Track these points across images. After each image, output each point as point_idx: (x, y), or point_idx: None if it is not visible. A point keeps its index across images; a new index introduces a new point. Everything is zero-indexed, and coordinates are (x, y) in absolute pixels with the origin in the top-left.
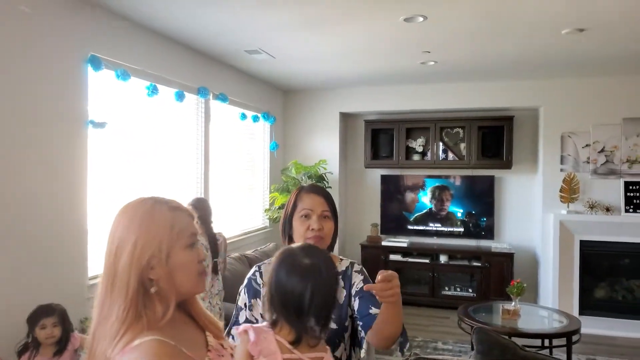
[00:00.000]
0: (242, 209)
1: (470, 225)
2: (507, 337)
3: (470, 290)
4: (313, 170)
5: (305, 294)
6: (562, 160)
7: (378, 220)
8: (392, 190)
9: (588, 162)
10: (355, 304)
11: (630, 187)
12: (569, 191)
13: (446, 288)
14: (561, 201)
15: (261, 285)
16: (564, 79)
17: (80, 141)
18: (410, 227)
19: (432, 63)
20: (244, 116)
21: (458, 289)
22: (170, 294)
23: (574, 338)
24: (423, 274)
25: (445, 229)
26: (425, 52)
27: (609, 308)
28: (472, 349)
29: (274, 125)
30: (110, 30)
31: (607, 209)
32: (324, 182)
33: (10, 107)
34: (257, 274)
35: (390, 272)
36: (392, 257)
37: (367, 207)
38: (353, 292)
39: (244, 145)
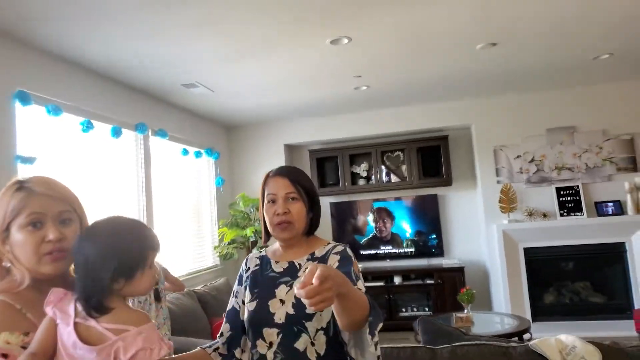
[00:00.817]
0: (191, 248)
1: (420, 244)
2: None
3: (426, 308)
4: None
5: (81, 257)
6: (498, 172)
7: None
8: (342, 216)
9: (521, 172)
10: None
11: (562, 192)
12: (508, 201)
13: (403, 309)
14: (501, 211)
15: (244, 271)
16: (491, 97)
17: (9, 176)
18: (362, 252)
19: (365, 88)
20: (185, 152)
21: (415, 309)
22: (22, 268)
23: (525, 337)
24: (379, 298)
25: (396, 251)
26: (356, 76)
27: (559, 312)
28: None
29: (218, 161)
30: (40, 66)
31: (544, 215)
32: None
33: None
34: (245, 261)
35: (322, 269)
36: None
37: (319, 234)
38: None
39: (188, 182)
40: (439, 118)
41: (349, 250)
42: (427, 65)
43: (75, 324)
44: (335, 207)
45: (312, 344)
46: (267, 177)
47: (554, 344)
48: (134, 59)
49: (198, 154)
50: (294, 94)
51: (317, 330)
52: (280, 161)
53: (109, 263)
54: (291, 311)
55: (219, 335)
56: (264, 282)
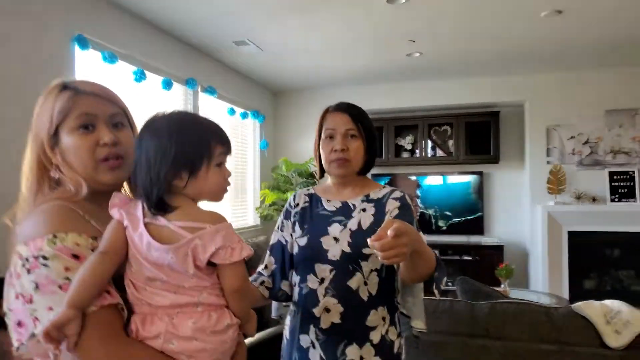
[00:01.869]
0: (233, 206)
1: (460, 220)
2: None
3: (456, 285)
4: (304, 168)
5: (141, 153)
6: (548, 152)
7: None
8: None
9: (573, 154)
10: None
11: (615, 177)
12: (556, 183)
13: None
14: (548, 192)
15: (293, 207)
16: (548, 73)
17: None
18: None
19: (418, 55)
20: (232, 111)
21: (450, 284)
22: (77, 177)
23: None
24: None
25: (436, 226)
26: (410, 41)
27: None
28: None
29: (263, 124)
30: (99, 13)
31: (594, 199)
32: (315, 180)
33: None
34: (292, 197)
35: (399, 224)
36: None
37: None
38: (386, 219)
39: (233, 142)
40: (492, 93)
41: (408, 198)
42: (486, 31)
43: (146, 225)
44: (375, 178)
45: (365, 283)
46: (326, 112)
47: (599, 307)
48: (188, 11)
49: (244, 115)
50: (343, 58)
51: (371, 270)
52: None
53: (168, 154)
54: (347, 249)
55: (262, 268)
56: (314, 219)
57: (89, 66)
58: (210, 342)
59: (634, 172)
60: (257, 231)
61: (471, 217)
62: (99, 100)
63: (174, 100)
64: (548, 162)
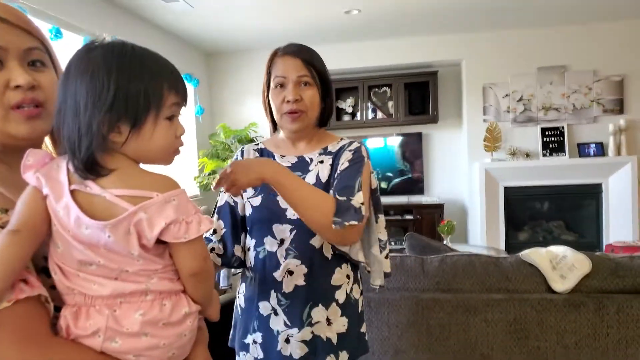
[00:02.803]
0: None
1: (400, 181)
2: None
3: (404, 243)
4: (243, 134)
5: (66, 94)
6: (485, 110)
7: None
8: None
9: (508, 112)
10: (342, 166)
11: (546, 133)
12: (492, 140)
13: None
14: (485, 150)
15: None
16: (483, 32)
17: None
18: None
19: (356, 12)
20: None
21: (393, 243)
22: None
23: None
24: None
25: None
26: None
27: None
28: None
29: (197, 89)
30: None
31: (527, 155)
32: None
33: None
34: (239, 152)
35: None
36: None
37: None
38: (338, 171)
39: None
40: (430, 52)
41: (363, 150)
42: None
43: (73, 193)
44: None
45: (325, 242)
46: (275, 55)
47: (545, 253)
48: None
49: None
50: (279, 16)
51: None
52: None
53: (104, 97)
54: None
55: (210, 234)
56: None
57: None
58: (164, 337)
59: (563, 127)
60: (197, 202)
61: (407, 177)
62: (10, 29)
63: None
64: (484, 120)
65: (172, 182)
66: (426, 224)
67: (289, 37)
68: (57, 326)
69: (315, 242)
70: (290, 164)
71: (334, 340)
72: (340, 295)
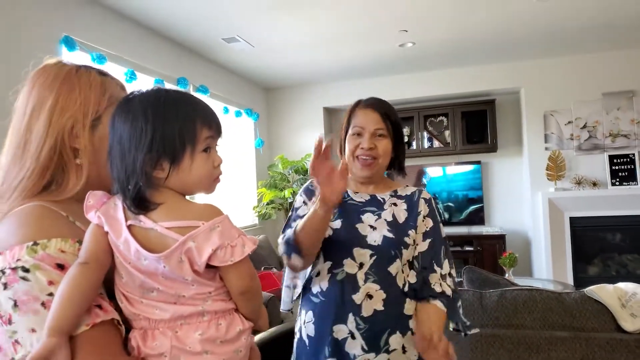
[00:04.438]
0: (231, 207)
1: (460, 212)
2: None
3: (462, 275)
4: (300, 164)
5: (114, 139)
6: (546, 138)
7: None
8: None
9: (572, 139)
10: (424, 244)
11: (615, 161)
12: (555, 169)
13: None
14: (548, 179)
15: (317, 189)
16: (542, 59)
17: None
18: None
19: (410, 45)
20: (226, 110)
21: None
22: (91, 168)
23: None
24: None
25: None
26: (402, 31)
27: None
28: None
29: (257, 122)
30: (85, 13)
31: (594, 184)
32: None
33: None
34: (308, 184)
35: (441, 342)
36: None
37: None
38: (419, 220)
39: (229, 141)
40: (487, 81)
41: (433, 200)
42: (479, 18)
43: (130, 228)
44: None
45: (402, 271)
46: (356, 106)
47: (612, 290)
48: (176, 10)
49: (238, 114)
50: (335, 51)
51: (407, 260)
52: (319, 124)
53: (144, 139)
54: (389, 235)
55: None
56: (345, 206)
57: None
58: (223, 354)
59: (633, 154)
60: (256, 230)
61: (472, 207)
62: None
63: None
64: (546, 149)
65: (216, 209)
66: (487, 255)
67: (344, 71)
68: (129, 346)
69: (392, 269)
70: (364, 200)
71: None
72: (413, 325)
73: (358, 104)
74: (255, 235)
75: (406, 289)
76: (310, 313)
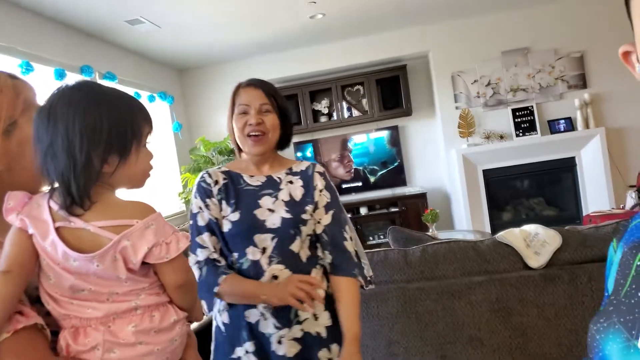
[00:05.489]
0: (155, 196)
1: (382, 175)
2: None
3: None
4: (223, 145)
5: (54, 134)
6: (456, 98)
7: None
8: (307, 154)
9: (478, 97)
10: (327, 217)
11: (517, 114)
12: (466, 126)
13: (370, 238)
14: (460, 137)
15: (212, 185)
16: (447, 21)
17: None
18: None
19: (321, 16)
20: (138, 96)
21: (381, 237)
22: (5, 174)
23: None
24: None
25: (359, 184)
26: (311, 2)
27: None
28: None
29: (173, 105)
30: None
31: (501, 137)
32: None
33: None
34: (205, 175)
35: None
36: None
37: None
38: (316, 194)
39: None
40: (397, 47)
41: (326, 173)
42: None
43: (58, 230)
44: (298, 146)
45: (303, 246)
46: (239, 87)
47: (519, 233)
48: None
49: (152, 98)
50: (246, 29)
51: (307, 235)
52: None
53: (100, 133)
54: (287, 215)
55: (210, 252)
56: (241, 195)
57: None
58: (157, 343)
59: (532, 107)
60: (184, 217)
61: (392, 167)
62: None
63: None
64: (457, 108)
65: (149, 207)
66: (412, 214)
67: (258, 47)
68: (57, 347)
69: (295, 247)
70: (260, 183)
71: (324, 334)
72: (320, 292)
73: (240, 85)
74: (184, 222)
75: (312, 262)
76: (222, 303)
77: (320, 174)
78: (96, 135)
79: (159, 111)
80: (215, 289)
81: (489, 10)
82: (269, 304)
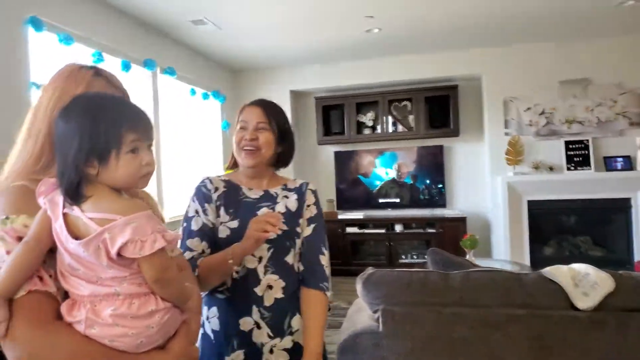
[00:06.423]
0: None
1: (423, 194)
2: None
3: (426, 256)
4: None
5: (56, 137)
6: (507, 124)
7: (334, 196)
8: (345, 165)
9: (530, 125)
10: (308, 229)
11: (570, 146)
12: (515, 154)
13: (403, 257)
14: (507, 164)
15: (212, 191)
16: (503, 46)
17: (23, 103)
18: (364, 201)
19: (377, 30)
20: (193, 92)
21: (415, 256)
22: None
23: None
24: (380, 245)
25: (399, 200)
26: (368, 17)
27: (558, 263)
28: None
29: (224, 105)
30: None
31: (551, 169)
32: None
33: None
34: (207, 180)
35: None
36: (349, 229)
37: (322, 183)
38: (304, 209)
39: (195, 123)
40: (449, 67)
41: (317, 193)
42: (443, 5)
43: (64, 215)
44: (338, 156)
45: (295, 259)
46: (244, 107)
47: (567, 271)
48: None
49: (205, 96)
50: (302, 36)
51: (299, 248)
52: (285, 108)
53: (75, 140)
54: (284, 227)
55: (196, 253)
56: (240, 205)
57: (44, 49)
58: (133, 327)
59: (587, 141)
60: None
61: (433, 187)
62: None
63: (134, 82)
64: (506, 134)
65: (138, 207)
66: (449, 237)
67: (311, 55)
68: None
69: (289, 259)
70: (258, 196)
71: None
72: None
73: (245, 104)
74: None
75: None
76: (214, 309)
77: (312, 191)
78: (73, 142)
79: (211, 109)
80: (196, 272)
81: (549, 38)
82: (238, 258)
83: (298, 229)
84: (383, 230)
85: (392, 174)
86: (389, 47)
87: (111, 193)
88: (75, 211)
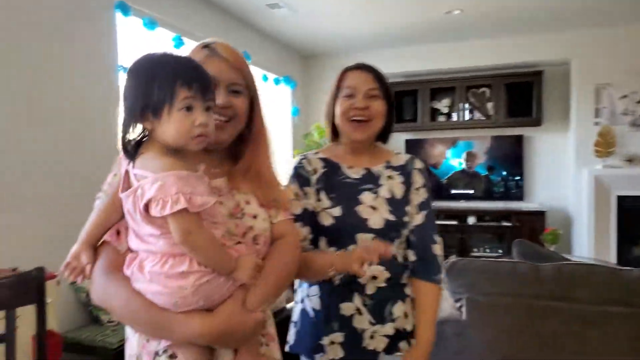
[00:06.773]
0: None
1: (499, 186)
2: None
3: (500, 250)
4: None
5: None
6: (597, 113)
7: None
8: (416, 154)
9: (626, 114)
10: (419, 217)
11: None
12: (605, 145)
13: (475, 250)
14: (596, 156)
15: (310, 173)
16: (596, 28)
17: (111, 86)
18: (434, 191)
19: (457, 12)
20: (265, 78)
21: (487, 250)
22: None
23: None
24: (451, 237)
25: (473, 191)
26: None
27: None
28: None
29: (295, 90)
30: None
31: None
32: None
33: (40, 53)
34: (304, 161)
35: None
36: None
37: None
38: (412, 192)
39: (268, 109)
40: (535, 52)
41: (425, 171)
42: None
43: (127, 172)
44: (410, 144)
45: (399, 248)
46: (346, 71)
47: None
48: None
49: (277, 81)
50: (377, 19)
51: (405, 237)
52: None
53: (135, 95)
54: (391, 217)
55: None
56: (341, 188)
57: (128, 33)
58: (166, 287)
59: None
60: None
61: (510, 179)
62: (226, 66)
63: None
64: (596, 124)
65: (173, 167)
66: (525, 231)
67: (385, 39)
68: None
69: (394, 249)
70: (360, 176)
71: (409, 329)
72: (409, 291)
73: (346, 69)
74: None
75: (405, 263)
76: (315, 287)
77: (420, 170)
78: (135, 96)
79: (281, 94)
80: None
81: None
82: (339, 271)
83: (405, 218)
84: (455, 222)
85: (463, 164)
86: (470, 30)
87: (160, 151)
88: (130, 167)
